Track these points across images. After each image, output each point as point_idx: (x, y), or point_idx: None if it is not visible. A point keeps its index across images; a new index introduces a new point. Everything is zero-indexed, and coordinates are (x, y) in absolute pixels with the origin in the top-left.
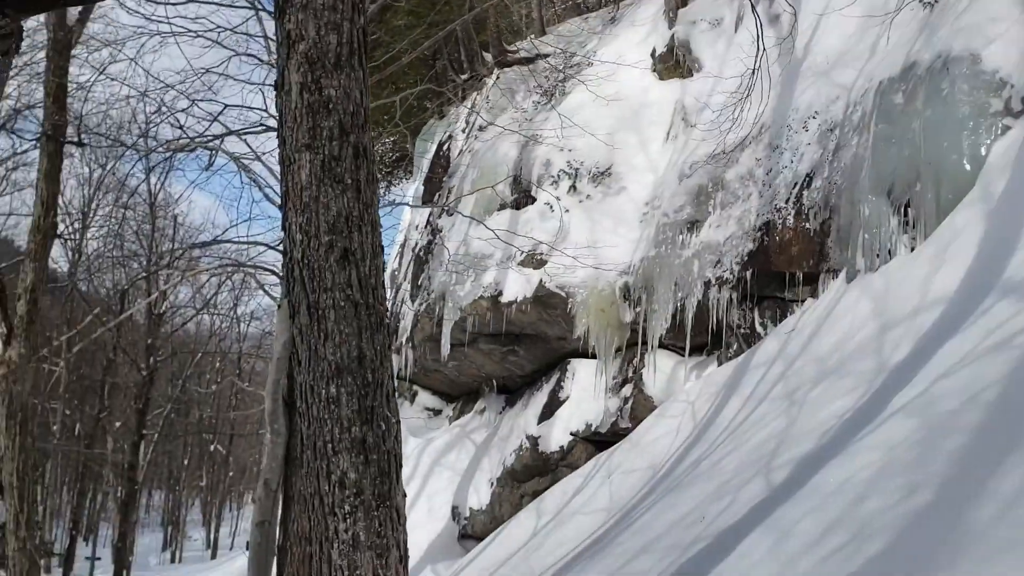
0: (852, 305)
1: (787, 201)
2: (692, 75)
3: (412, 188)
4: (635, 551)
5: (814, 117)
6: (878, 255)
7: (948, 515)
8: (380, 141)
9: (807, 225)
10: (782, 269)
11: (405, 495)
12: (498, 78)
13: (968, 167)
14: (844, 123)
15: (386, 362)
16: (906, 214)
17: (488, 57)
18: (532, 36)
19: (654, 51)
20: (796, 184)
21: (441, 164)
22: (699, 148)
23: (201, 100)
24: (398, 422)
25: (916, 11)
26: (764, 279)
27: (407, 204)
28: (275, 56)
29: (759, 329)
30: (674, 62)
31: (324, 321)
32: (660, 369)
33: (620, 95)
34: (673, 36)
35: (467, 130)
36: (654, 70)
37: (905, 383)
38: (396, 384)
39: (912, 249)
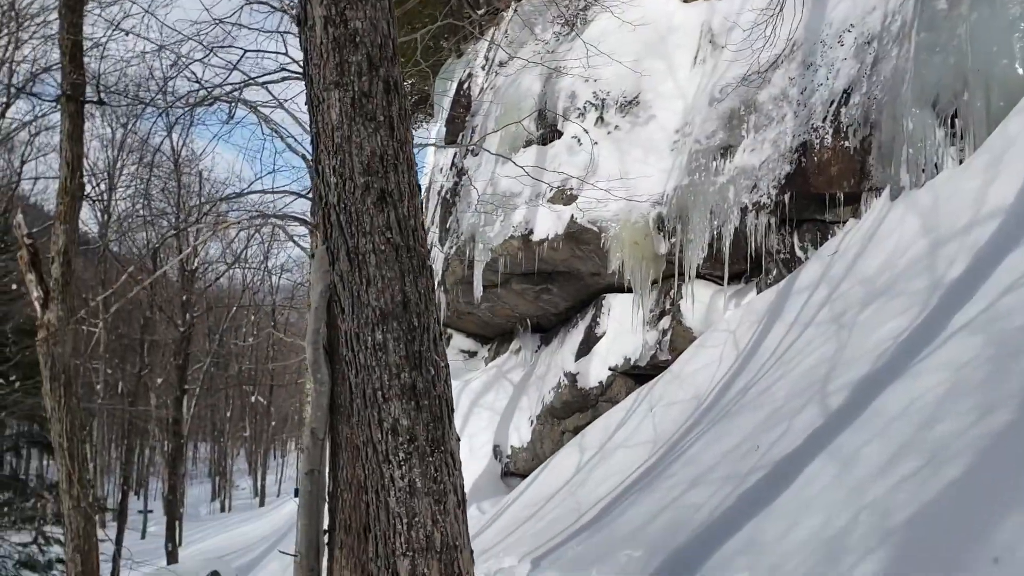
0: (898, 223)
1: (824, 120)
2: None
3: (434, 130)
4: (687, 482)
5: (849, 30)
6: (923, 170)
7: None
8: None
9: (846, 143)
10: (821, 190)
11: (459, 439)
12: (516, 11)
13: (1021, 71)
14: (882, 34)
15: (431, 305)
16: (953, 125)
17: None
18: None
19: None
20: (833, 102)
21: (462, 103)
22: (729, 71)
23: (219, 47)
24: (446, 366)
25: None
26: (803, 202)
27: (432, 145)
28: (287, 1)
29: (799, 253)
30: None
31: (365, 266)
32: (698, 299)
33: (645, 20)
34: None
35: (487, 67)
36: None
37: (964, 300)
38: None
39: (960, 162)
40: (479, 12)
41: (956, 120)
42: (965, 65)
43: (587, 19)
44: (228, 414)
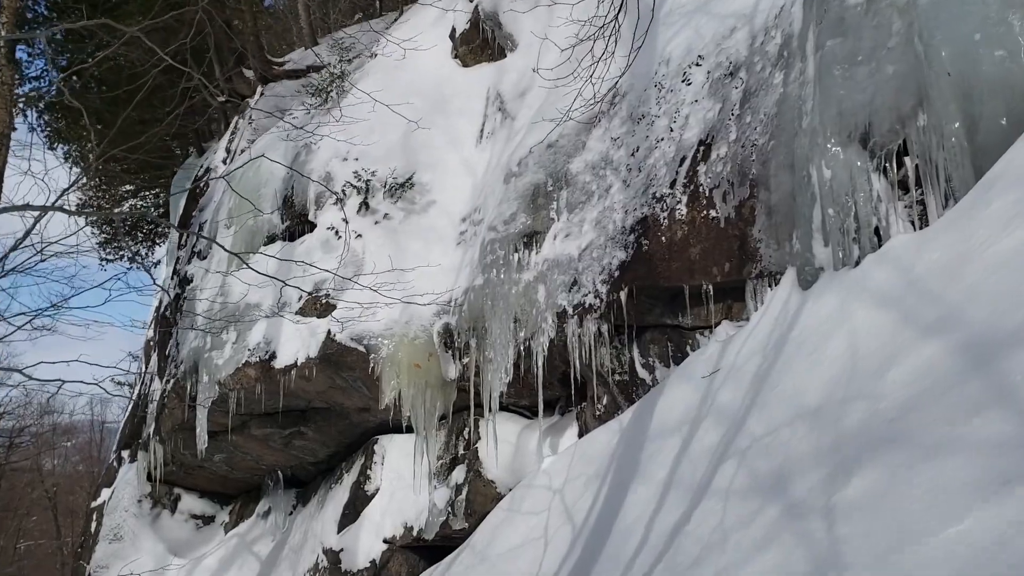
0: (837, 321)
1: (673, 184)
2: (505, 55)
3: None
4: None
5: (699, 63)
6: (856, 239)
7: None
8: (139, 196)
9: (713, 213)
10: (677, 282)
11: None
12: (262, 95)
13: None
14: (753, 59)
15: None
16: (900, 166)
17: (249, 73)
18: (303, 47)
19: (453, 31)
20: (684, 159)
21: (197, 201)
22: (527, 139)
23: None
24: None
25: None
26: (647, 300)
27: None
28: None
29: (643, 374)
30: (481, 41)
31: None
32: (503, 439)
33: (416, 88)
34: (477, 8)
35: (228, 159)
36: (455, 56)
37: None
38: (151, 488)
39: (919, 220)
40: (220, 99)
41: (906, 158)
42: (919, 72)
43: (344, 89)
44: None
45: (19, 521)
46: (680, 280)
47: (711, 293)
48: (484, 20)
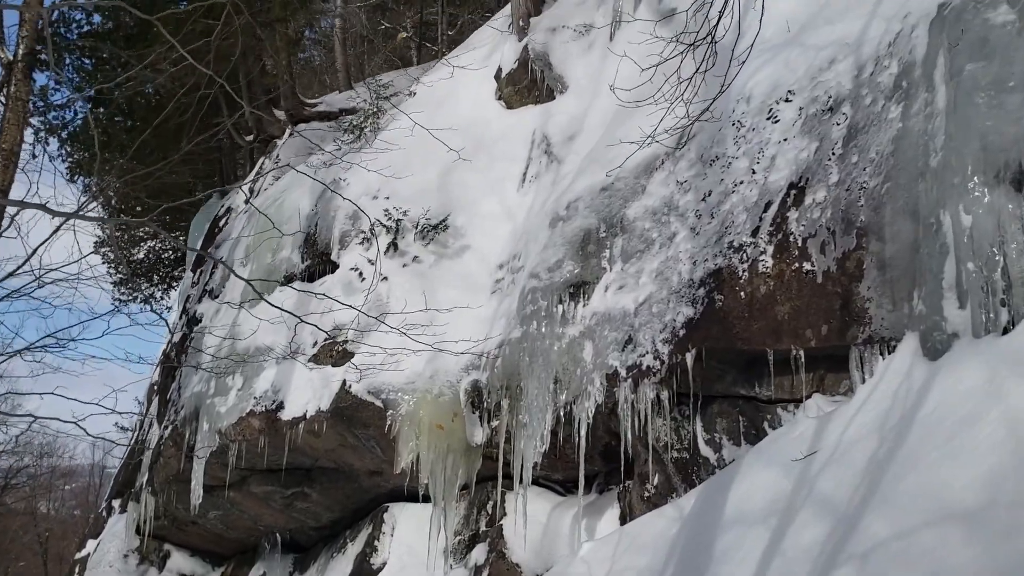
0: (981, 398)
1: (756, 232)
2: (554, 97)
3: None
4: None
5: (788, 99)
6: (1004, 300)
7: None
8: (161, 239)
9: (808, 265)
10: (758, 346)
11: None
12: (291, 135)
13: None
14: (860, 92)
15: None
16: None
17: (280, 114)
18: (337, 91)
19: (499, 72)
20: (770, 204)
21: (215, 241)
22: (576, 183)
23: None
24: None
25: None
26: (718, 365)
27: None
28: None
29: (706, 451)
30: (528, 82)
31: None
32: (532, 517)
33: (456, 126)
34: (527, 48)
35: (252, 198)
36: (499, 97)
37: None
38: (139, 543)
39: None
40: (248, 138)
41: None
42: None
43: (379, 126)
44: None
45: (7, 565)
46: (763, 343)
47: (802, 360)
48: (534, 60)
